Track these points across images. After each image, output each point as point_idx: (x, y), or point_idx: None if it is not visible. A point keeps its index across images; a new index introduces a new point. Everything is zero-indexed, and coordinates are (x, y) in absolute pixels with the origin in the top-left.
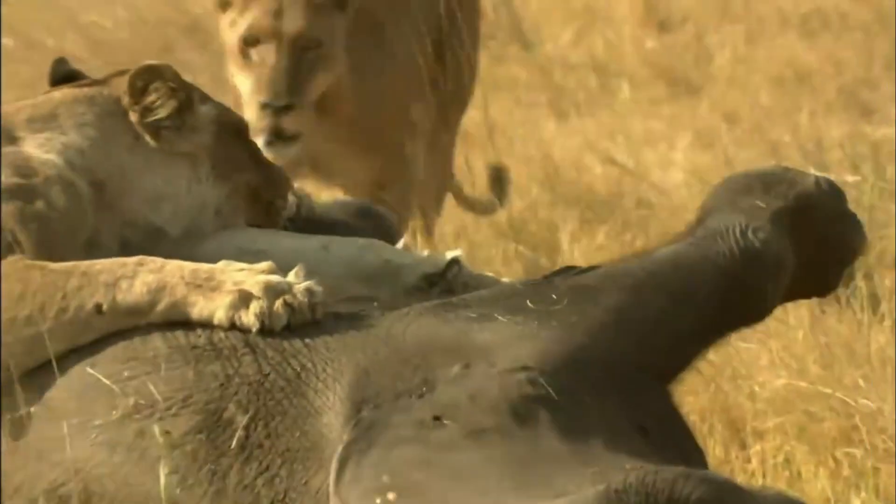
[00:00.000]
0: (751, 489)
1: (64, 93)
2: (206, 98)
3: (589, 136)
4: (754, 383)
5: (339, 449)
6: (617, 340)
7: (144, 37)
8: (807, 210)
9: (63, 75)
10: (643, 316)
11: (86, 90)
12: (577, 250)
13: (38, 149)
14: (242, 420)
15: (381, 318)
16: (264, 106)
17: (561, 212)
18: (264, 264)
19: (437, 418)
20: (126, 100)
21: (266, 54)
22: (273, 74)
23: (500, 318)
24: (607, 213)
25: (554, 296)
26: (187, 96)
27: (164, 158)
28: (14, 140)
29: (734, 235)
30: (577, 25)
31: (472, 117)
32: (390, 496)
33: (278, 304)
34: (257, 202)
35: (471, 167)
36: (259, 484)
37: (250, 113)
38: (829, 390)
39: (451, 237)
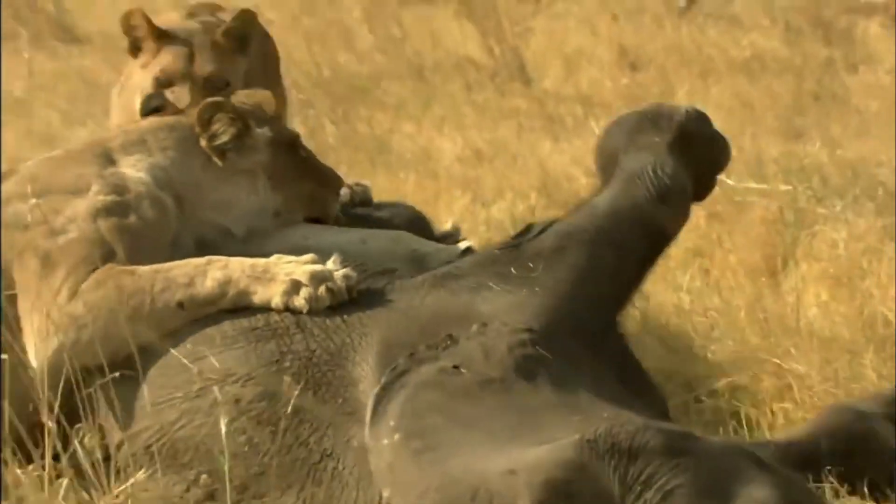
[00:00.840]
0: (703, 437)
1: (150, 121)
2: (262, 121)
3: (576, 154)
4: (707, 351)
5: (376, 390)
6: (586, 298)
7: None
8: (686, 136)
9: (153, 107)
10: (600, 270)
11: (167, 119)
12: None
13: (130, 168)
14: (295, 390)
15: (400, 293)
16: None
17: (553, 212)
18: (308, 256)
19: (455, 367)
20: (196, 128)
21: (180, 94)
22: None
23: (493, 286)
24: None
25: (530, 263)
26: (244, 124)
27: (229, 175)
28: (112, 162)
29: (649, 176)
30: (567, 66)
31: (482, 138)
32: (413, 437)
33: (322, 289)
34: (314, 201)
35: (480, 180)
36: (311, 441)
37: None
38: (766, 356)
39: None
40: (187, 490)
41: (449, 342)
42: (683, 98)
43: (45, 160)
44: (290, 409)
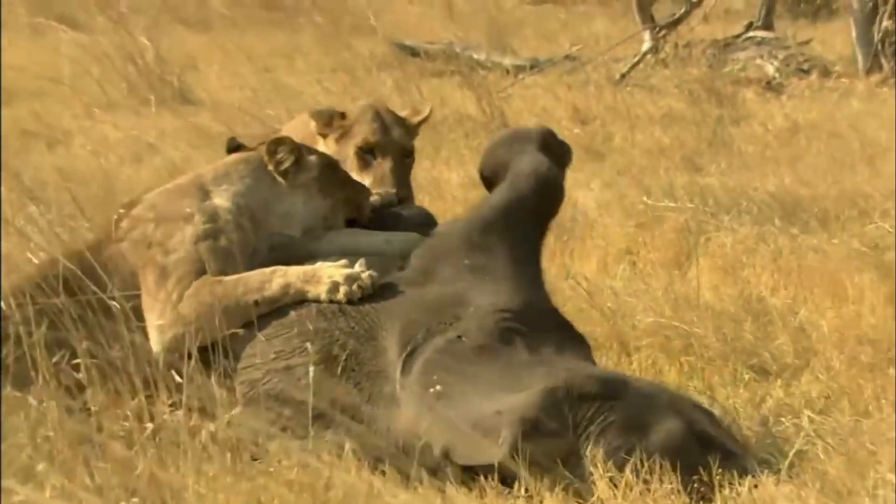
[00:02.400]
0: (631, 382)
1: (232, 158)
2: (312, 150)
3: None
4: (635, 320)
5: (403, 355)
6: (528, 277)
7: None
8: (546, 143)
9: (233, 147)
10: (524, 252)
11: (244, 154)
12: None
13: (220, 199)
14: (343, 355)
15: (409, 286)
16: (386, 195)
17: None
18: (343, 262)
19: (459, 337)
20: (266, 158)
21: (383, 161)
22: (394, 174)
23: (471, 279)
24: (554, 226)
25: (476, 258)
26: (300, 152)
27: (290, 191)
28: (207, 194)
29: (535, 171)
30: (537, 120)
31: (476, 171)
32: (430, 388)
33: (354, 286)
34: (351, 205)
35: (476, 201)
36: (355, 391)
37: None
38: (676, 323)
39: None
40: (272, 423)
41: (453, 319)
42: (619, 142)
43: (161, 192)
44: (339, 369)
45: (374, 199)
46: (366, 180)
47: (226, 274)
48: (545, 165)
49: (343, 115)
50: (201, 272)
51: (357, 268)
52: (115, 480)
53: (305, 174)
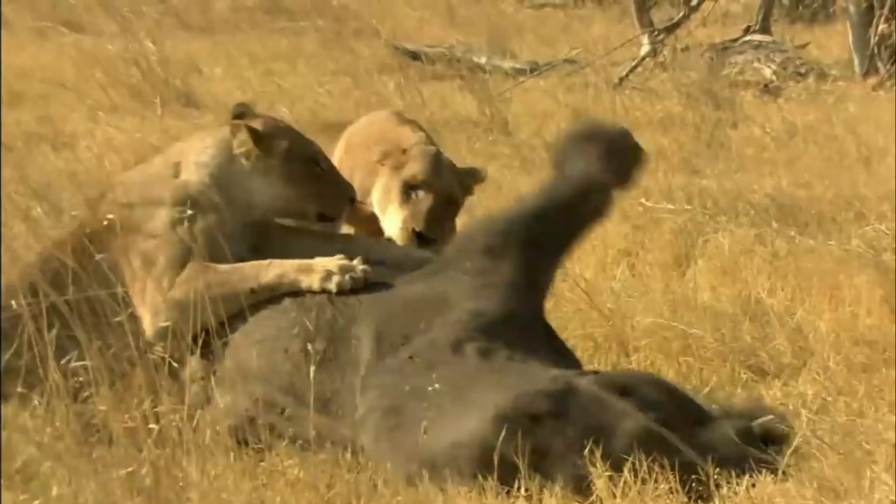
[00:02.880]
0: (579, 388)
1: (205, 133)
2: (287, 135)
3: None
4: (633, 321)
5: (362, 375)
6: (522, 291)
7: None
8: (620, 146)
9: (239, 114)
10: (536, 264)
11: (218, 134)
12: None
13: (191, 175)
14: (322, 345)
15: (400, 283)
16: (418, 234)
17: None
18: (339, 256)
19: (411, 357)
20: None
21: (425, 198)
22: (429, 214)
23: (462, 277)
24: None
25: (482, 259)
26: (260, 139)
27: (253, 173)
28: (177, 172)
29: (582, 185)
30: (537, 123)
31: None
32: (387, 415)
33: (347, 277)
34: (324, 201)
35: (475, 202)
36: (327, 379)
37: (400, 234)
38: (675, 324)
39: None
40: (252, 404)
41: (426, 323)
42: None
43: (134, 172)
44: (318, 357)
45: (395, 232)
46: (403, 214)
47: (213, 255)
48: (593, 180)
49: (404, 151)
50: (187, 255)
51: (356, 262)
52: (121, 479)
53: (268, 160)
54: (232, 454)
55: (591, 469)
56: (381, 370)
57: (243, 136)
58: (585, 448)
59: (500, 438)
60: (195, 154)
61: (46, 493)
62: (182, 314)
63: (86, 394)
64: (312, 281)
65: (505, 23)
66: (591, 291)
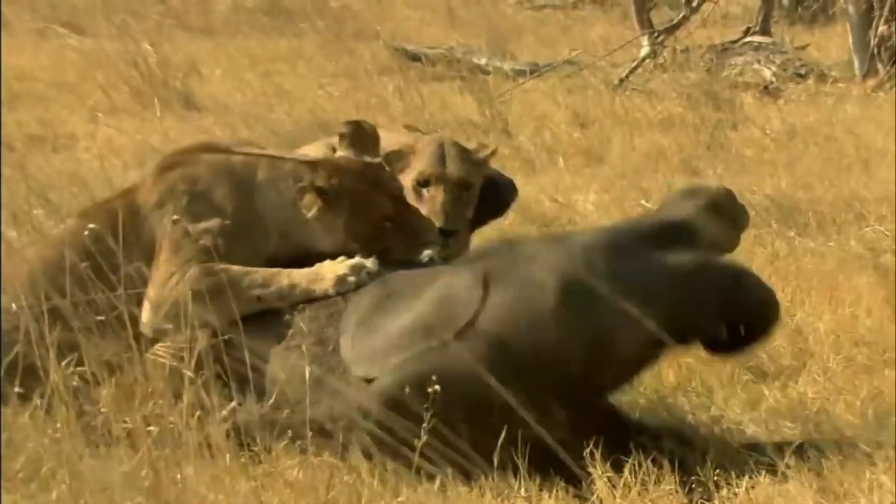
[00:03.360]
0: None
1: (288, 167)
2: (349, 189)
3: (542, 186)
4: None
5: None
6: None
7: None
8: (716, 204)
9: (348, 132)
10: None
11: (292, 168)
12: None
13: (261, 201)
14: (336, 335)
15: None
16: (439, 230)
17: (527, 228)
18: (341, 257)
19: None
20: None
21: (436, 193)
22: (443, 207)
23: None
24: (553, 228)
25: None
26: (324, 200)
27: (316, 229)
28: (251, 190)
29: (669, 222)
30: (537, 125)
31: None
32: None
33: (363, 273)
34: (388, 250)
35: None
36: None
37: None
38: None
39: None
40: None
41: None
42: (618, 146)
43: (205, 164)
44: (331, 346)
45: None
46: (423, 212)
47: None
48: (688, 223)
49: (404, 152)
50: (210, 259)
51: (369, 262)
52: (121, 481)
53: (332, 218)
54: (228, 455)
55: (592, 470)
56: (362, 292)
57: (311, 197)
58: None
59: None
60: (274, 184)
61: (46, 494)
62: (180, 309)
63: (86, 395)
64: (325, 287)
65: (505, 24)
66: None
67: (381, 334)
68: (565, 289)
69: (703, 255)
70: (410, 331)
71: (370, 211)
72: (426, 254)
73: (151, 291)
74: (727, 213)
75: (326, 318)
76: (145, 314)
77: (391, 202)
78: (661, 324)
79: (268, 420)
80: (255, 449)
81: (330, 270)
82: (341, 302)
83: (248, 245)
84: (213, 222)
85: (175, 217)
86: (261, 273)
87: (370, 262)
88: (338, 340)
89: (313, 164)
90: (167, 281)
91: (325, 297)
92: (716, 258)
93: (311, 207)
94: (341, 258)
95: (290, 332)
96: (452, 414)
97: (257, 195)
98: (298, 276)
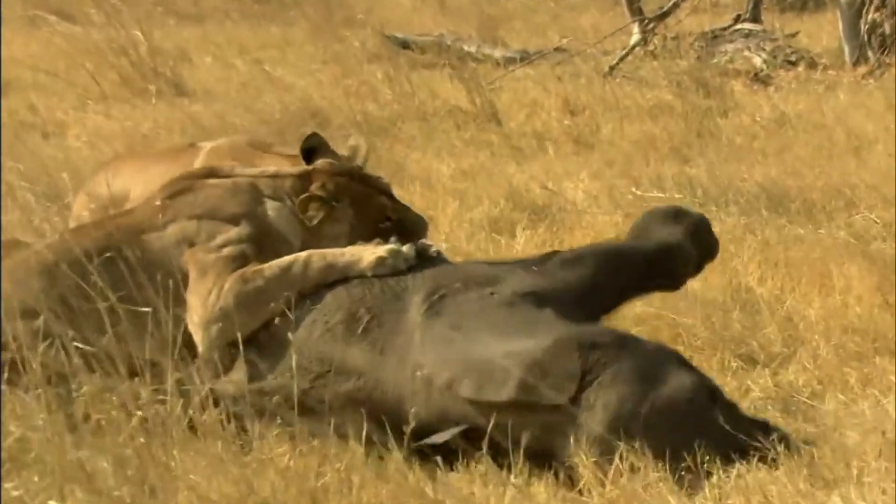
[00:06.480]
0: (642, 339)
1: (293, 180)
2: (347, 190)
3: (533, 173)
4: (624, 310)
5: (430, 300)
6: (580, 295)
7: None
8: (696, 231)
9: (311, 147)
10: (588, 283)
11: (291, 182)
12: (524, 238)
13: (272, 211)
14: (366, 316)
15: (448, 263)
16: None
17: (517, 215)
18: (376, 240)
19: (492, 293)
20: (299, 214)
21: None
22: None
23: (517, 270)
24: (543, 217)
25: (549, 266)
26: (331, 207)
27: (321, 238)
28: (260, 202)
29: (664, 243)
30: (526, 112)
31: (467, 162)
32: (448, 323)
33: (400, 259)
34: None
35: (465, 191)
36: (368, 347)
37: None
38: (665, 313)
39: (445, 227)
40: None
41: (476, 286)
42: (608, 133)
43: (211, 187)
44: (360, 328)
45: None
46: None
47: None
48: (679, 244)
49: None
50: (240, 266)
51: (405, 248)
52: (107, 469)
53: (337, 226)
54: (220, 442)
55: (577, 458)
56: (454, 296)
57: (316, 207)
58: (635, 383)
59: (554, 351)
60: (281, 195)
61: (33, 481)
62: (229, 321)
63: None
64: (364, 267)
65: (495, 11)
66: None
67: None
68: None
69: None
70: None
71: (371, 211)
72: (434, 249)
73: (195, 316)
74: (704, 242)
75: (354, 298)
76: (199, 341)
77: (388, 199)
78: None
79: (279, 386)
80: (247, 438)
81: (369, 252)
82: (376, 283)
83: (270, 251)
84: (232, 232)
85: (192, 244)
86: (294, 266)
87: (406, 248)
88: (374, 311)
89: (308, 174)
90: (206, 300)
91: (361, 276)
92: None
93: (316, 216)
94: (376, 240)
95: (318, 306)
96: None
97: (268, 209)
98: (334, 256)
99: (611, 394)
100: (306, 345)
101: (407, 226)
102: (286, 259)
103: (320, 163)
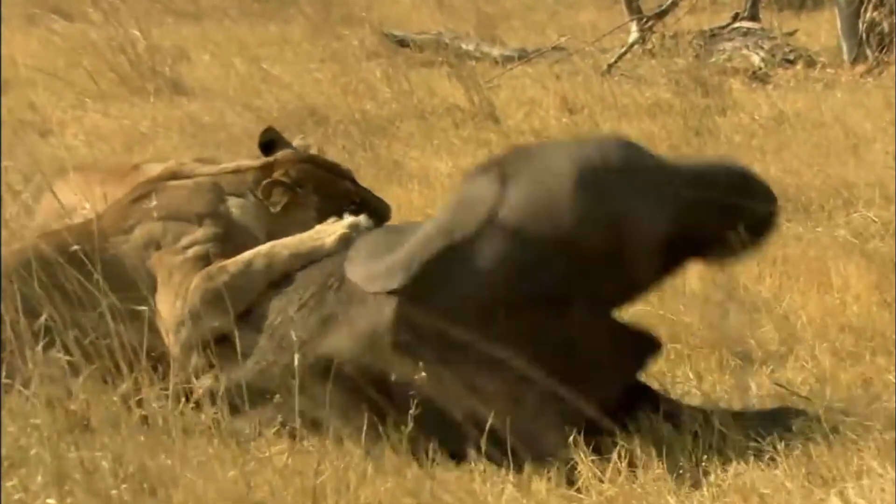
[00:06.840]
0: None
1: (253, 175)
2: (311, 179)
3: None
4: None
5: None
6: None
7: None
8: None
9: (267, 141)
10: None
11: (253, 175)
12: None
13: (235, 209)
14: (336, 283)
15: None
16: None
17: None
18: (331, 219)
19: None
20: (263, 199)
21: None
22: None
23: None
24: None
25: None
26: (294, 193)
27: (287, 225)
28: (222, 200)
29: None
30: (525, 111)
31: (465, 161)
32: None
33: (360, 230)
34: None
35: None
36: (336, 304)
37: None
38: (663, 312)
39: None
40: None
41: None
42: (605, 131)
43: (174, 188)
44: (331, 294)
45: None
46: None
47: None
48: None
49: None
50: (205, 265)
51: (361, 219)
52: (105, 467)
53: (302, 212)
54: (217, 441)
55: (575, 456)
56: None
57: (279, 192)
58: None
59: None
60: (242, 191)
61: (32, 481)
62: (198, 320)
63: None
64: (329, 249)
65: (493, 9)
66: None
67: (399, 249)
68: (582, 174)
69: (713, 157)
70: (430, 236)
71: (336, 196)
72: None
73: (167, 319)
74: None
75: (324, 272)
76: (172, 344)
77: (351, 184)
78: (671, 222)
79: (261, 369)
80: (244, 434)
81: (330, 232)
82: (337, 258)
83: (236, 248)
84: (197, 233)
85: (157, 247)
86: (258, 253)
87: (363, 219)
88: (342, 276)
89: (270, 164)
90: (174, 303)
91: (329, 254)
92: (724, 159)
93: (279, 202)
94: (332, 219)
95: (287, 287)
96: (474, 312)
97: (231, 205)
98: (297, 243)
99: None
100: (283, 325)
101: (371, 209)
102: (249, 253)
103: (281, 153)
